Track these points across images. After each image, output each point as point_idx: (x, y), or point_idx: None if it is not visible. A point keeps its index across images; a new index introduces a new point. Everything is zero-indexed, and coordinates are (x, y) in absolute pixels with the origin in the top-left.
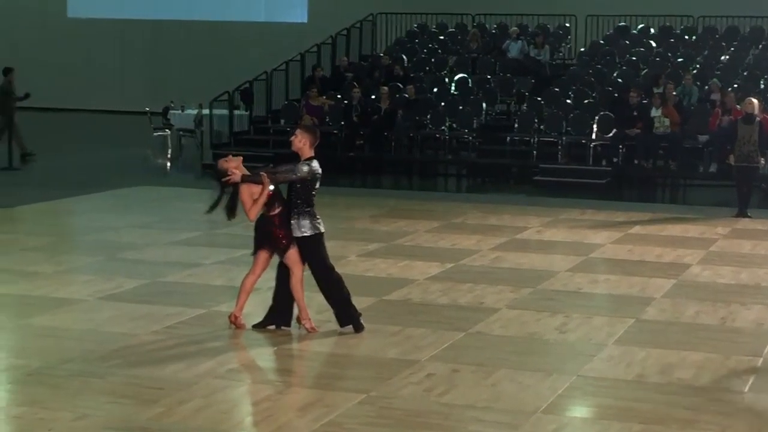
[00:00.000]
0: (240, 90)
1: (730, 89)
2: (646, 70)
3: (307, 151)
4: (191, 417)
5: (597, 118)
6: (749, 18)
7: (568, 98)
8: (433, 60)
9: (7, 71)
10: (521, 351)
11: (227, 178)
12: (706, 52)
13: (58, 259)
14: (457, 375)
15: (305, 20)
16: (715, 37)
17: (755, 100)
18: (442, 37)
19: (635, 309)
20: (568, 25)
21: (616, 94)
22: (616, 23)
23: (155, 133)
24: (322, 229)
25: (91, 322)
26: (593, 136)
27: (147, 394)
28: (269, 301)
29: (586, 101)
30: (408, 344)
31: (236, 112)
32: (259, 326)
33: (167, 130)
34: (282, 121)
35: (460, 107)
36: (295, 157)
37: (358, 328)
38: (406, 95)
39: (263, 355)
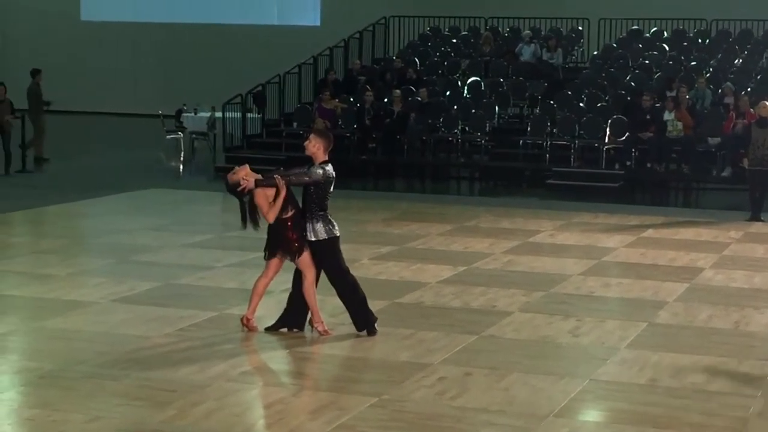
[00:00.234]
0: (253, 93)
1: (743, 93)
2: (659, 74)
3: (321, 156)
4: (204, 419)
5: (610, 121)
6: (763, 21)
7: (581, 102)
8: (445, 63)
9: (35, 73)
10: (534, 354)
11: (242, 187)
12: (719, 56)
13: (71, 261)
14: (469, 378)
15: (318, 23)
16: (728, 40)
17: None
18: (454, 40)
19: (648, 313)
20: (581, 28)
21: (629, 98)
22: (629, 26)
23: (168, 136)
24: (338, 233)
25: (103, 324)
26: (606, 140)
27: (160, 397)
28: (282, 304)
29: (598, 105)
30: (420, 347)
31: (249, 115)
32: (272, 329)
33: (180, 133)
34: (294, 124)
35: (473, 110)
36: (308, 160)
37: (371, 332)
38: (419, 98)
39: (275, 358)
